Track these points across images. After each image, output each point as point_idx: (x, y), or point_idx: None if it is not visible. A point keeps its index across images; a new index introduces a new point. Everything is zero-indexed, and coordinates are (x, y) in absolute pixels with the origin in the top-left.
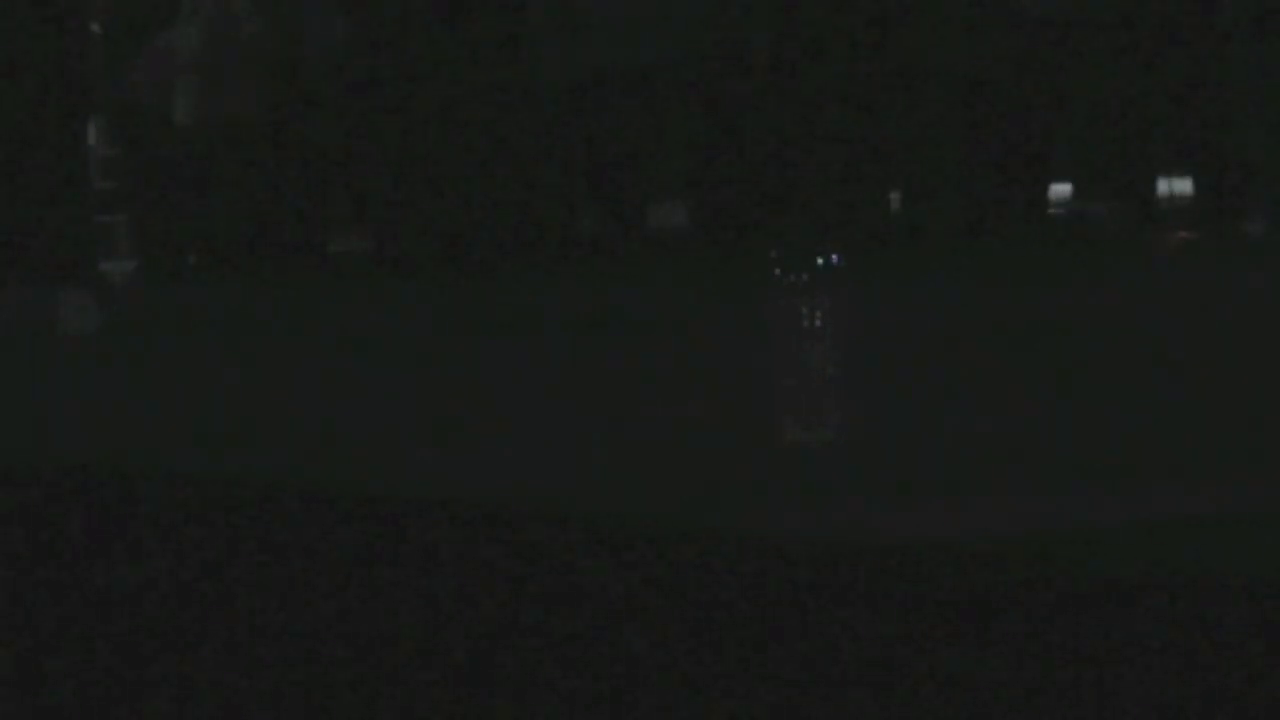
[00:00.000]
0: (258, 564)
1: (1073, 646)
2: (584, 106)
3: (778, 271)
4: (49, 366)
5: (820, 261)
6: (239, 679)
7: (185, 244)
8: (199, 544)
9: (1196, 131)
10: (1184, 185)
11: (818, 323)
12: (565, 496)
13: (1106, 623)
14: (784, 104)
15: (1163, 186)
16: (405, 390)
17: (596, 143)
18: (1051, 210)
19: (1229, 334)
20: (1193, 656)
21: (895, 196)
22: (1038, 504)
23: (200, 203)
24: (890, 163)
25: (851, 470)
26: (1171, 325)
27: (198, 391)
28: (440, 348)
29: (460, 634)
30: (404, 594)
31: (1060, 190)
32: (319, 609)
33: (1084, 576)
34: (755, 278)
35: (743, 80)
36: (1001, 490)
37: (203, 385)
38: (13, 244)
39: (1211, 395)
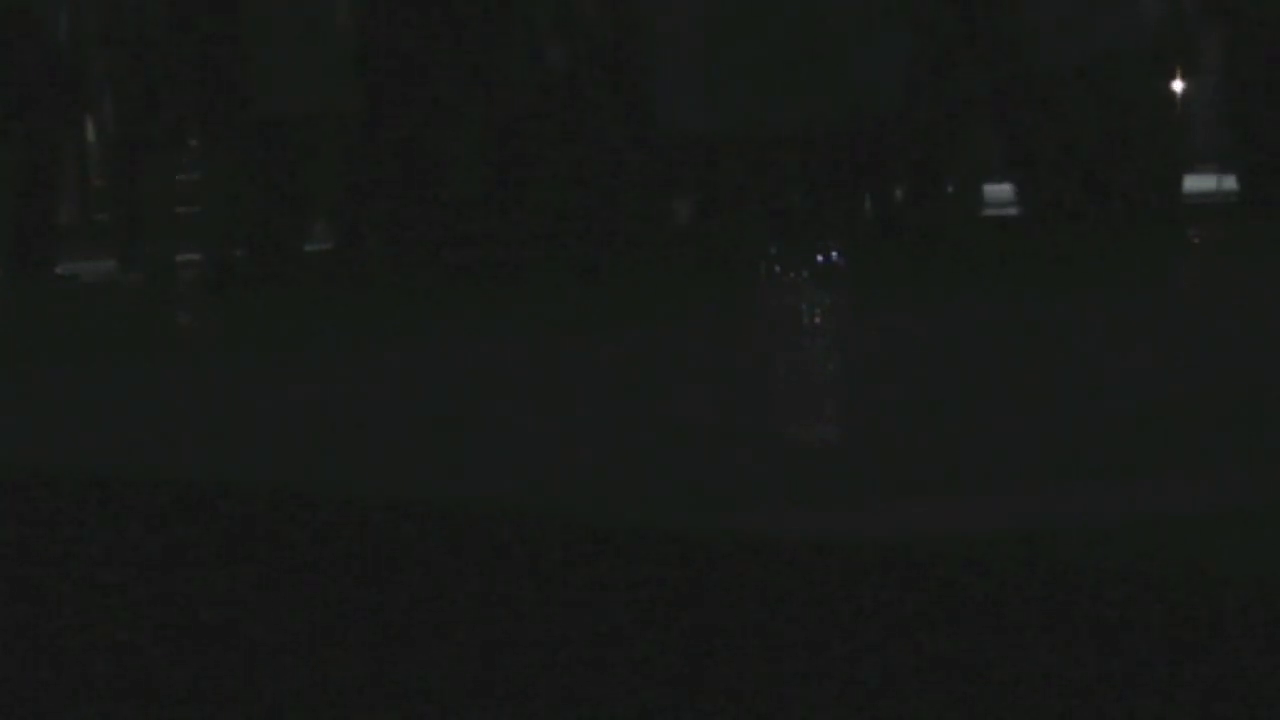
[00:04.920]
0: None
1: (1072, 645)
2: (591, 102)
3: (777, 269)
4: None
5: (820, 259)
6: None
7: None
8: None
9: None
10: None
11: (817, 320)
12: (564, 496)
13: (1106, 621)
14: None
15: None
16: (402, 388)
17: (600, 141)
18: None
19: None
20: (1193, 653)
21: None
22: (1038, 503)
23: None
24: (894, 160)
25: (851, 470)
26: (1179, 325)
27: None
28: (442, 348)
29: (459, 635)
30: (403, 594)
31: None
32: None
33: (1085, 575)
34: (754, 275)
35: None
36: (1002, 489)
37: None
38: None
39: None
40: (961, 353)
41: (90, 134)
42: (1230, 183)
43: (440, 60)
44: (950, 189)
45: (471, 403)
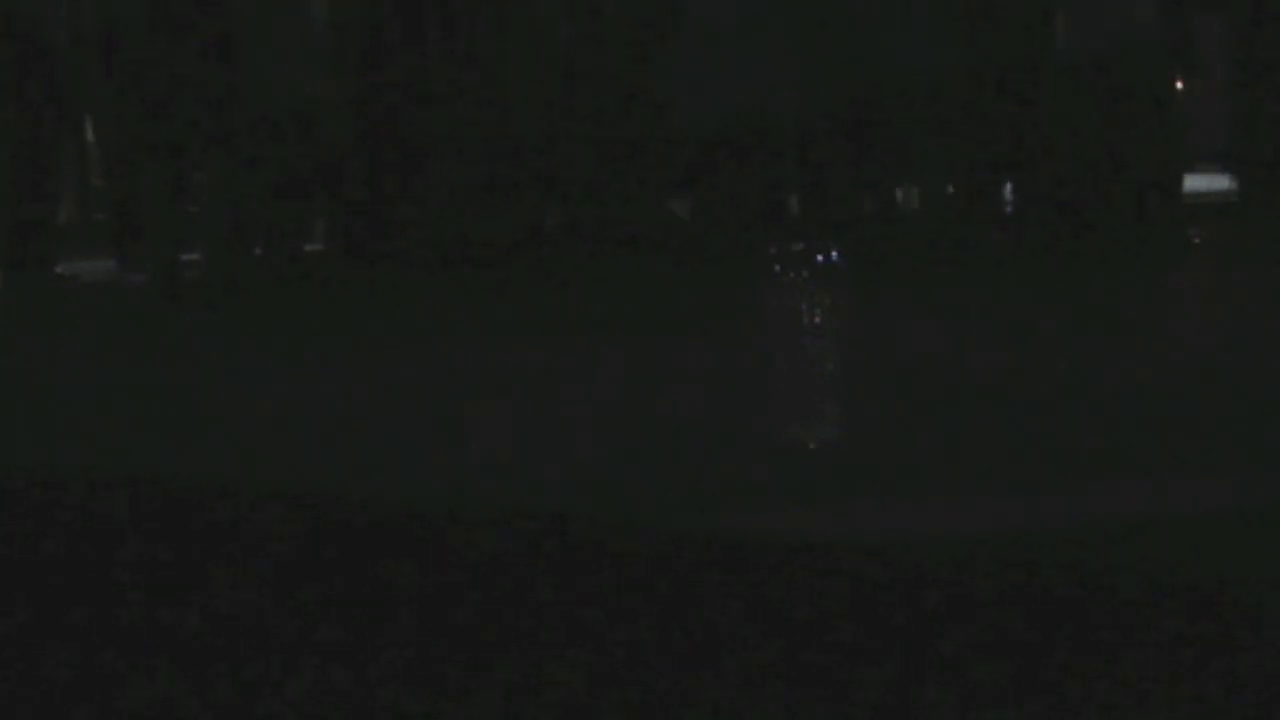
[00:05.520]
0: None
1: (1072, 645)
2: (585, 99)
3: (778, 269)
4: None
5: (820, 258)
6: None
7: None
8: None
9: None
10: None
11: (817, 320)
12: (565, 496)
13: (1105, 621)
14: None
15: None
16: (405, 389)
17: (593, 139)
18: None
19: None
20: (1192, 653)
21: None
22: (1038, 503)
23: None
24: (895, 160)
25: (851, 470)
26: (1172, 322)
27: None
28: (442, 348)
29: (458, 635)
30: (402, 594)
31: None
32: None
33: (1084, 575)
34: (755, 274)
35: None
36: (1001, 490)
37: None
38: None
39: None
40: (960, 352)
41: (90, 134)
42: (1224, 182)
43: (440, 57)
44: (950, 188)
45: (471, 404)
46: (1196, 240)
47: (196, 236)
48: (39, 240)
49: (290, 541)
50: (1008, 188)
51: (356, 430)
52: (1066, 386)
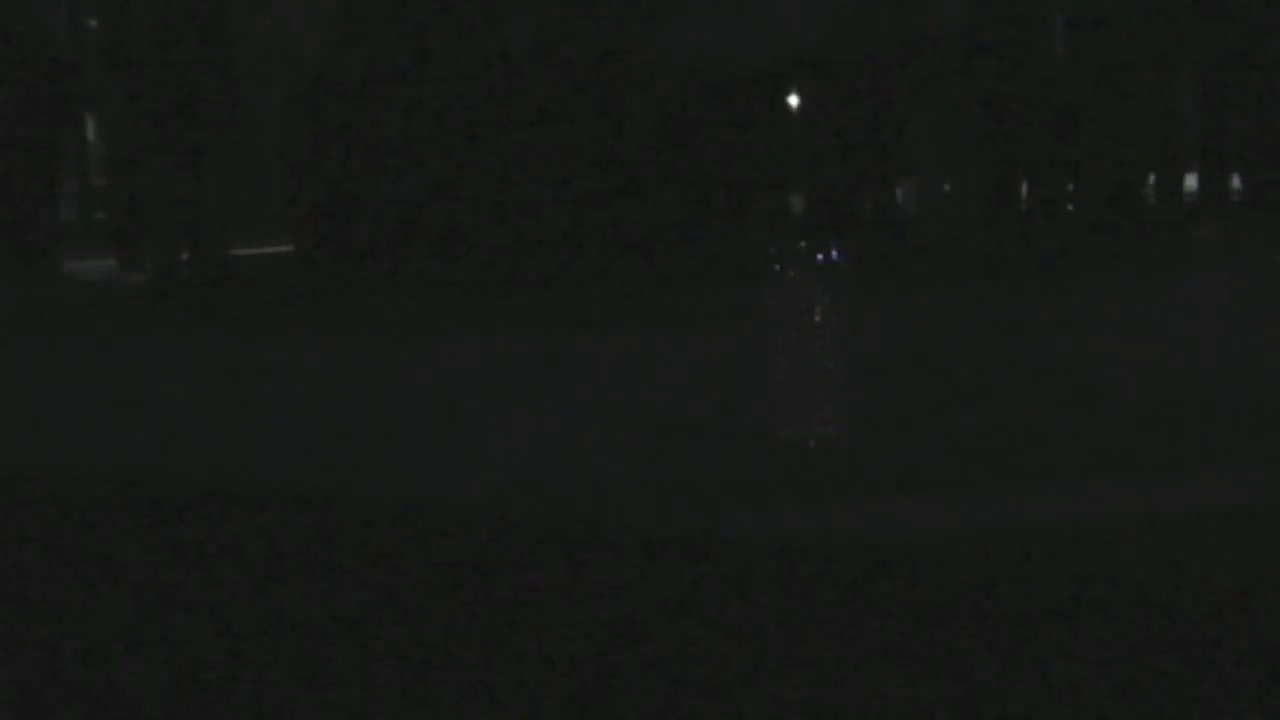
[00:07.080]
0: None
1: (1070, 643)
2: (589, 103)
3: (777, 267)
4: None
5: (820, 257)
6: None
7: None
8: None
9: None
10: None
11: (817, 319)
12: (564, 496)
13: (1103, 620)
14: (781, 99)
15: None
16: (404, 388)
17: (594, 140)
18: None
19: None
20: (1190, 653)
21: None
22: (1038, 503)
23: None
24: (894, 157)
25: (850, 469)
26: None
27: None
28: (442, 347)
29: (460, 633)
30: (401, 594)
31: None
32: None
33: (1084, 575)
34: (754, 273)
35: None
36: (999, 488)
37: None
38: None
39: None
40: (960, 352)
41: (90, 134)
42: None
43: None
44: (948, 187)
45: (471, 403)
46: (1196, 239)
47: (196, 236)
48: (40, 240)
49: (287, 539)
50: (1007, 187)
51: (355, 429)
52: (1067, 385)
